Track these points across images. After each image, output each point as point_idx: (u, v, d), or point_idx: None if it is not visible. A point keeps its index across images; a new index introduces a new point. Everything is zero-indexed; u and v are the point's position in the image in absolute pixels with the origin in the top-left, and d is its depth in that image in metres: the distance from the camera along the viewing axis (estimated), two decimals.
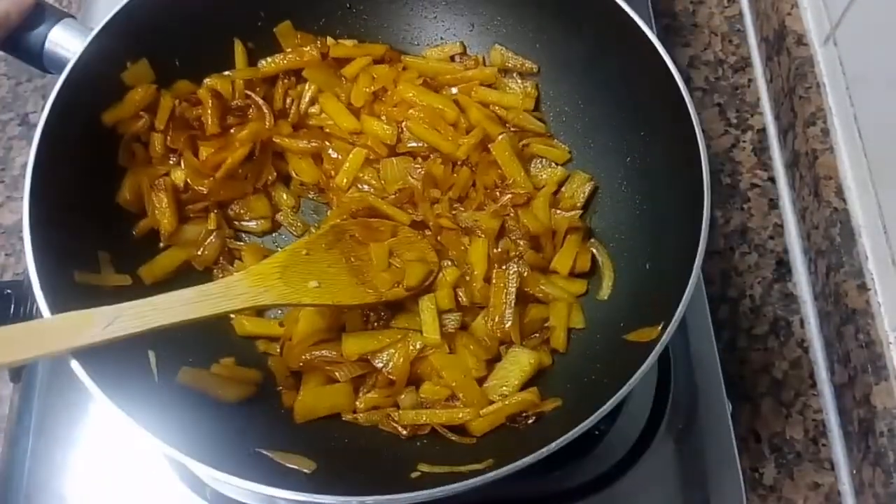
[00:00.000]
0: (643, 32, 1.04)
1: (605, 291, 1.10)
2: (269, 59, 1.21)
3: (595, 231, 1.15)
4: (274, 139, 1.18)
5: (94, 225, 1.04)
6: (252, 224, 1.19)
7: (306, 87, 1.23)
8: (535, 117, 1.21)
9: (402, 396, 1.04)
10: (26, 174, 0.95)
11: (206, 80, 1.17)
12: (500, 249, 1.11)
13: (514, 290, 1.07)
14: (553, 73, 1.21)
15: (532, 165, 1.19)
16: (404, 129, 1.20)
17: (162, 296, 0.91)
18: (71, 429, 1.12)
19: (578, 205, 1.15)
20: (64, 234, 0.97)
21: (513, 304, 1.06)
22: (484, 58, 1.25)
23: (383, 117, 1.21)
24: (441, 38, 1.27)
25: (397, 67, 1.24)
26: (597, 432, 1.10)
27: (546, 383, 1.05)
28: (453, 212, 1.13)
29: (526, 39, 1.22)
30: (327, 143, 1.20)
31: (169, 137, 1.12)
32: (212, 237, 1.13)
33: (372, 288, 1.06)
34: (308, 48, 1.21)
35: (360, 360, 1.05)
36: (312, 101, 1.23)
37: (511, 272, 1.08)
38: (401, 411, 1.03)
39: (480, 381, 1.04)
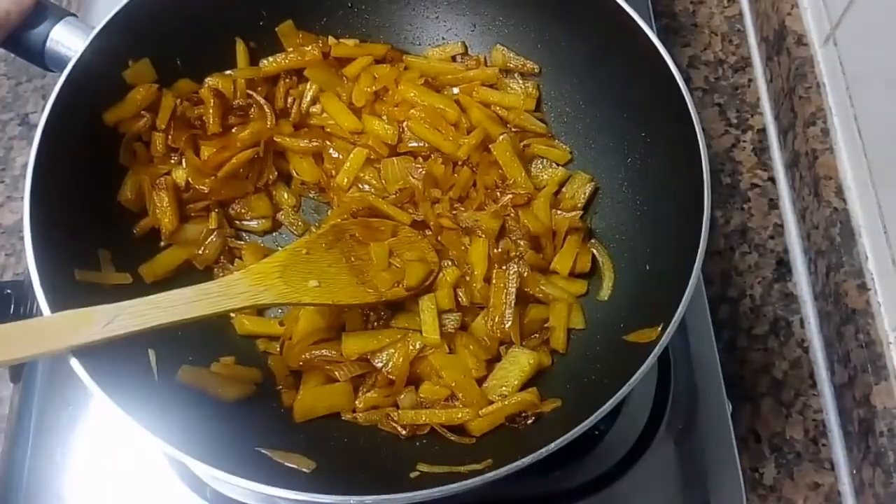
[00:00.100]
0: (644, 33, 1.04)
1: (606, 292, 1.10)
2: (270, 59, 1.21)
3: (595, 232, 1.15)
4: (275, 138, 1.18)
5: (94, 223, 1.04)
6: (253, 223, 1.19)
7: (308, 86, 1.23)
8: (537, 118, 1.21)
9: (402, 396, 1.04)
10: (27, 172, 0.95)
11: (208, 80, 1.17)
12: (500, 250, 1.11)
13: (514, 290, 1.07)
14: (554, 73, 1.21)
15: (533, 166, 1.19)
16: (405, 128, 1.20)
17: (162, 294, 0.91)
18: (71, 429, 1.13)
19: (579, 205, 1.15)
20: (64, 232, 0.98)
21: (513, 305, 1.06)
22: (485, 58, 1.24)
23: (384, 117, 1.21)
24: (443, 38, 1.27)
25: (399, 67, 1.24)
26: (597, 432, 1.10)
27: (546, 384, 1.05)
28: (454, 212, 1.13)
29: (527, 40, 1.22)
30: (328, 143, 1.20)
31: (170, 137, 1.13)
32: (213, 236, 1.13)
33: (372, 287, 1.06)
34: (310, 48, 1.21)
35: (359, 360, 1.05)
36: (314, 101, 1.23)
37: (511, 272, 1.08)
38: (400, 411, 1.03)
39: (480, 381, 1.04)
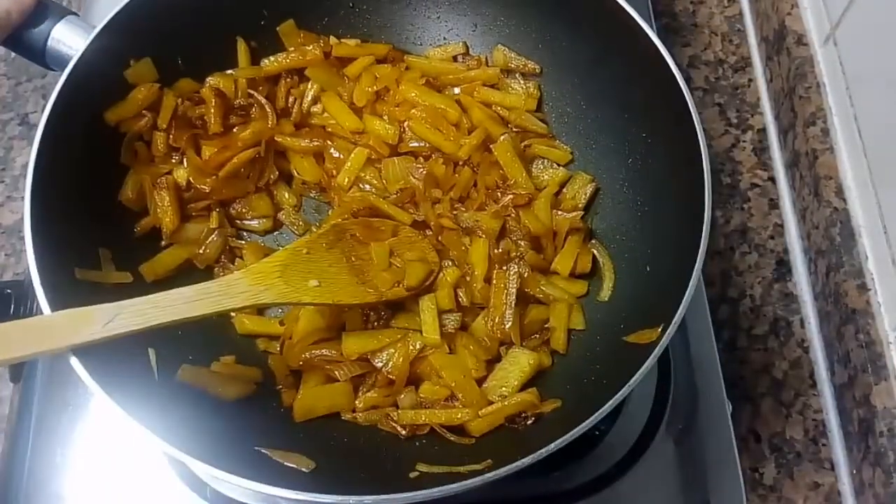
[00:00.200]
0: (645, 33, 1.04)
1: (606, 293, 1.10)
2: (272, 58, 1.21)
3: (596, 232, 1.15)
4: (276, 138, 1.18)
5: (95, 222, 1.04)
6: (254, 223, 1.19)
7: (309, 86, 1.23)
8: (538, 118, 1.21)
9: (402, 396, 1.04)
10: (28, 168, 0.95)
11: (209, 79, 1.17)
12: (500, 250, 1.11)
13: (514, 290, 1.07)
14: (556, 73, 1.21)
15: (534, 166, 1.19)
16: (406, 128, 1.20)
17: (162, 293, 0.91)
18: (71, 428, 1.13)
19: (580, 206, 1.15)
20: (65, 230, 0.98)
21: (513, 305, 1.06)
22: (487, 58, 1.24)
23: (385, 117, 1.21)
24: (444, 38, 1.27)
25: (400, 67, 1.24)
26: (597, 433, 1.10)
27: (546, 384, 1.05)
28: (454, 212, 1.13)
29: (529, 40, 1.22)
30: (329, 143, 1.20)
31: (171, 136, 1.13)
32: (213, 236, 1.13)
33: (372, 287, 1.06)
34: (311, 47, 1.21)
35: (359, 360, 1.05)
36: (315, 101, 1.23)
37: (511, 273, 1.08)
38: (400, 411, 1.03)
39: (480, 381, 1.04)
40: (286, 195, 1.20)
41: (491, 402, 1.01)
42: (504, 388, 1.03)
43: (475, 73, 1.23)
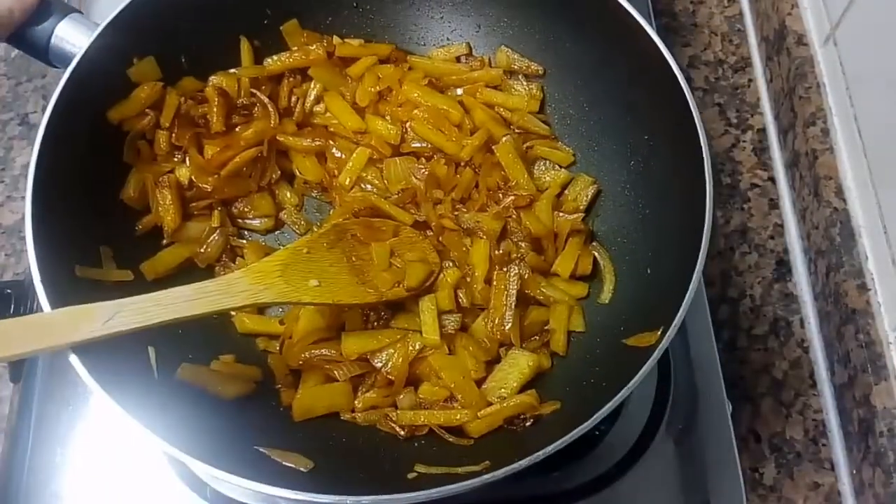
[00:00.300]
0: (646, 33, 1.04)
1: (606, 295, 1.10)
2: (275, 58, 1.21)
3: (597, 234, 1.15)
4: (278, 137, 1.18)
5: (96, 220, 1.04)
6: (255, 222, 1.19)
7: (311, 85, 1.23)
8: (540, 119, 1.21)
9: (401, 397, 1.04)
10: (30, 166, 0.95)
11: (212, 78, 1.17)
12: (501, 251, 1.11)
13: (514, 292, 1.07)
14: (558, 75, 1.21)
15: (535, 167, 1.19)
16: (408, 129, 1.20)
17: (163, 292, 0.91)
18: (71, 428, 1.13)
19: (581, 208, 1.15)
20: (66, 227, 0.98)
21: (513, 306, 1.06)
22: (490, 59, 1.24)
23: (388, 117, 1.21)
24: (447, 39, 1.27)
25: (403, 67, 1.24)
26: (597, 433, 1.10)
27: (545, 386, 1.05)
28: (455, 213, 1.13)
29: (532, 41, 1.21)
30: (331, 142, 1.20)
31: (174, 135, 1.13)
32: (215, 234, 1.13)
33: (372, 287, 1.06)
34: (314, 47, 1.21)
35: (359, 360, 1.05)
36: (317, 100, 1.23)
37: (512, 274, 1.08)
38: (399, 411, 1.03)
39: (479, 382, 1.04)
40: (288, 194, 1.20)
41: (490, 404, 1.02)
42: (503, 390, 1.03)
43: (478, 74, 1.23)
